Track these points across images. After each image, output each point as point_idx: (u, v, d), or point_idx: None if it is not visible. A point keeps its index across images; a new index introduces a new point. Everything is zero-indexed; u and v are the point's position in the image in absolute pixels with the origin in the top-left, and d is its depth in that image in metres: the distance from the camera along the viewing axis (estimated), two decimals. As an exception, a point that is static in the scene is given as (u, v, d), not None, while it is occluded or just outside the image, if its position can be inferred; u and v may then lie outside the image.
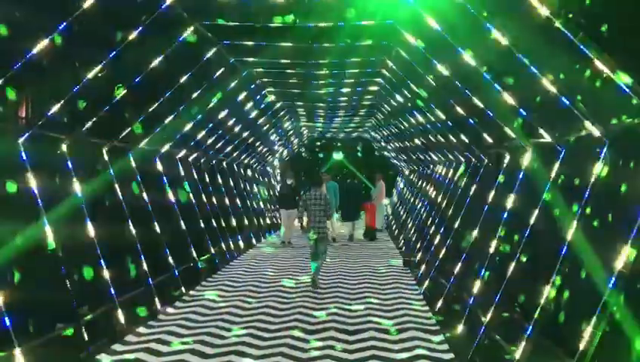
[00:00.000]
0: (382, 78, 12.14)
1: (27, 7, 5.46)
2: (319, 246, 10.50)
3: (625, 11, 4.13)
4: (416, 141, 16.34)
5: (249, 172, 20.72)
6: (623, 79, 4.28)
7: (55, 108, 6.64)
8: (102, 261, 7.74)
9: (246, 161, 19.86)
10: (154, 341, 7.27)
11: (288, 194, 16.99)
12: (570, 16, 4.45)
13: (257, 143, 19.22)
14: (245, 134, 16.40)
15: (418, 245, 13.75)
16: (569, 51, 4.62)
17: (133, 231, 8.99)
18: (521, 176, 7.51)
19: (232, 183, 17.20)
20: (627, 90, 4.30)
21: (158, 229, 10.02)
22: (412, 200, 18.96)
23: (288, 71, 11.75)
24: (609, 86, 4.48)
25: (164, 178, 11.13)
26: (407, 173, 23.55)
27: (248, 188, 19.75)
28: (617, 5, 4.22)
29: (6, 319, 5.52)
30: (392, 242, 17.74)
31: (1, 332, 5.53)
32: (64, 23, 5.71)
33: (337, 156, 29.16)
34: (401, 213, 20.53)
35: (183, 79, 9.11)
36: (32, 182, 6.47)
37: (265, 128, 18.01)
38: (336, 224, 18.03)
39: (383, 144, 24.51)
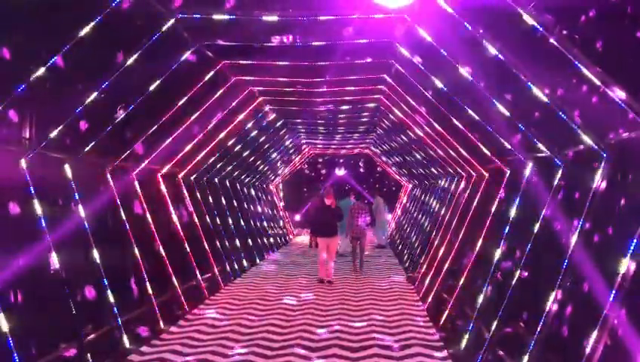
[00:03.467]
0: (381, 95, 12.23)
1: (30, 29, 5.55)
2: (360, 244, 14.55)
3: (618, 27, 4.19)
4: (417, 156, 16.40)
5: (252, 190, 20.76)
6: (618, 93, 4.33)
7: (58, 129, 6.71)
8: (105, 280, 7.75)
9: (247, 180, 19.92)
10: (157, 360, 7.26)
11: (328, 217, 13.25)
12: (565, 32, 4.52)
13: (259, 162, 19.28)
14: (247, 153, 16.46)
15: (421, 260, 13.73)
16: (565, 67, 4.68)
17: (136, 251, 9.02)
18: (521, 190, 7.54)
19: (234, 202, 17.22)
20: (622, 104, 4.35)
21: (160, 248, 10.05)
22: (414, 215, 18.97)
23: (289, 89, 11.84)
24: (605, 100, 4.54)
25: (167, 197, 11.18)
26: (409, 188, 23.59)
27: (251, 206, 19.77)
28: (610, 21, 4.28)
29: (9, 340, 5.53)
30: (395, 258, 17.71)
31: (4, 353, 5.53)
32: (67, 45, 5.80)
33: (339, 172, 29.22)
34: (404, 228, 20.52)
35: (185, 98, 9.19)
36: (35, 202, 6.52)
37: (266, 146, 18.07)
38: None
39: (384, 159, 24.57)
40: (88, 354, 6.72)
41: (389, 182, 28.34)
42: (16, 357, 5.58)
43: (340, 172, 29.23)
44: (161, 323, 8.83)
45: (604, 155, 5.25)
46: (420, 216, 17.69)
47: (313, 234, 14.18)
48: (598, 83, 4.48)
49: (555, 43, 4.58)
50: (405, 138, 15.44)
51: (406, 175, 22.66)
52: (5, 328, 5.51)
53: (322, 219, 13.34)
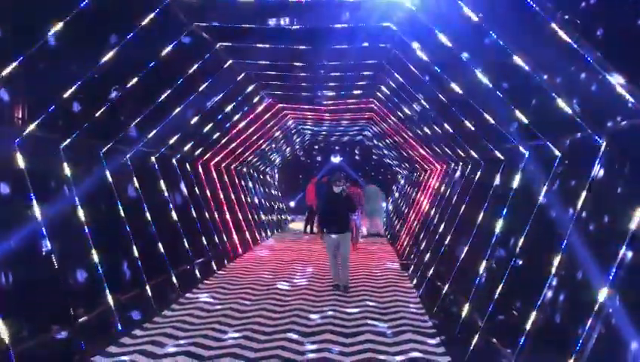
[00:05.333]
0: (379, 81, 12.14)
1: (23, 7, 5.45)
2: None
3: (621, 13, 4.13)
4: (414, 144, 16.34)
5: (247, 175, 20.69)
6: (619, 81, 4.28)
7: (51, 109, 6.63)
8: (97, 263, 7.71)
9: (243, 164, 19.84)
10: (149, 343, 7.24)
11: (337, 208, 10.59)
12: (567, 17, 4.45)
13: (254, 146, 19.16)
14: (243, 136, 16.35)
15: (416, 248, 13.74)
16: (565, 53, 4.62)
17: (130, 234, 8.97)
18: (518, 178, 7.50)
19: (229, 186, 17.15)
20: (623, 91, 4.30)
21: (154, 231, 10.00)
22: (410, 203, 18.96)
23: (286, 73, 11.73)
24: (605, 88, 4.48)
25: (161, 180, 11.11)
26: (405, 176, 23.57)
27: (246, 191, 19.69)
28: (613, 7, 4.21)
29: (0, 321, 5.49)
30: (389, 246, 17.73)
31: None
32: (60, 24, 5.70)
33: (335, 159, 29.15)
34: (400, 216, 20.52)
35: (181, 81, 9.09)
36: (28, 184, 6.45)
37: (262, 131, 17.93)
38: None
39: (380, 145, 24.51)
40: (80, 337, 6.68)
41: (384, 170, 28.30)
42: (8, 339, 5.54)
43: (336, 159, 29.14)
44: (154, 307, 8.80)
45: (603, 143, 5.20)
46: (415, 204, 17.68)
47: (322, 228, 10.84)
48: (598, 69, 4.43)
49: (556, 28, 4.51)
50: (403, 125, 15.33)
51: (402, 163, 22.59)
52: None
53: (331, 209, 10.61)
